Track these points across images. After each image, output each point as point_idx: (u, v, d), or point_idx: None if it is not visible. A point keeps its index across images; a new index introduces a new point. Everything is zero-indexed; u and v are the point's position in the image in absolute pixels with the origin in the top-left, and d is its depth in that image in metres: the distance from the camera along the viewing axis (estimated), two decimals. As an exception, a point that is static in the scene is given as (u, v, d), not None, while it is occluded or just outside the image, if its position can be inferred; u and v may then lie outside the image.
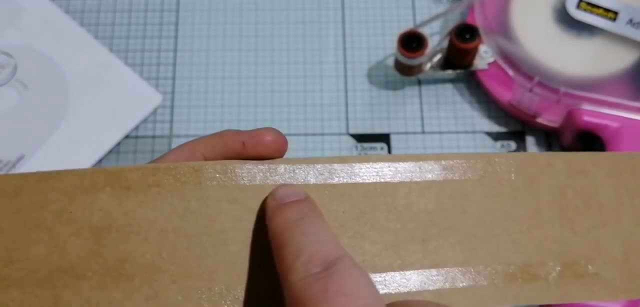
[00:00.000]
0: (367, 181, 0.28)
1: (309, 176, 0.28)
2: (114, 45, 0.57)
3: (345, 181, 0.28)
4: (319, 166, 0.28)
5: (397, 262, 0.27)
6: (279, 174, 0.27)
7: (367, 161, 0.28)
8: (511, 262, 0.27)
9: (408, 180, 0.28)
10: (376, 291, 0.23)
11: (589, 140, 0.50)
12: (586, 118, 0.50)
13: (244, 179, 0.27)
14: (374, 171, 0.28)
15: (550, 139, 0.54)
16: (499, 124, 0.54)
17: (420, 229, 0.27)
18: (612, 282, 0.27)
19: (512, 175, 0.28)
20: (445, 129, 0.54)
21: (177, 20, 0.58)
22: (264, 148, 0.28)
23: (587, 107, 0.50)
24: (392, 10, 0.59)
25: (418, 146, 0.53)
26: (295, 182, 0.28)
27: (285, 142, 0.29)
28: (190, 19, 0.58)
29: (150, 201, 0.26)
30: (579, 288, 0.27)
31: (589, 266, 0.28)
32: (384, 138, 0.54)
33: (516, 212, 0.28)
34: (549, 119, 0.52)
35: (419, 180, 0.28)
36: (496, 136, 0.54)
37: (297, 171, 0.28)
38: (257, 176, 0.27)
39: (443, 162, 0.28)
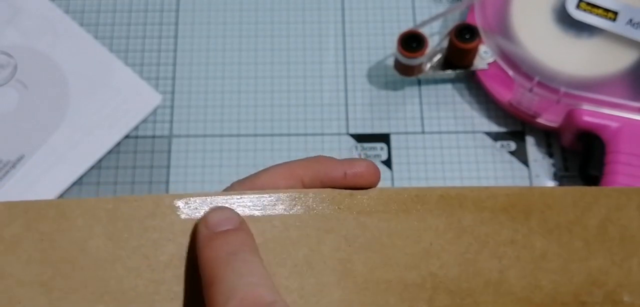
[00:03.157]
0: None
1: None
2: (114, 45, 0.57)
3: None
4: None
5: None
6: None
7: None
8: (567, 291, 0.29)
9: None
10: None
11: (589, 140, 0.50)
12: (586, 118, 0.50)
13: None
14: None
15: (550, 139, 0.54)
16: (499, 124, 0.54)
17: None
18: None
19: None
20: (445, 129, 0.54)
21: (177, 20, 0.58)
22: (363, 180, 0.28)
23: (587, 107, 0.50)
24: (392, 10, 0.59)
25: (418, 146, 0.53)
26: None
27: (379, 173, 0.28)
28: (190, 19, 0.58)
29: (252, 227, 0.26)
30: None
31: (624, 294, 0.29)
32: (384, 138, 0.54)
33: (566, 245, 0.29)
34: (549, 119, 0.52)
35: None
36: (496, 136, 0.54)
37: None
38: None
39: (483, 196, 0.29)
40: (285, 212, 0.27)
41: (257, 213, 0.26)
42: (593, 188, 0.30)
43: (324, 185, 0.28)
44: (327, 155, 0.29)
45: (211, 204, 0.26)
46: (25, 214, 0.25)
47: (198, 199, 0.26)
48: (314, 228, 0.27)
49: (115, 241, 0.25)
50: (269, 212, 0.27)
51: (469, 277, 0.28)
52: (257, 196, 0.27)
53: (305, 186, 0.28)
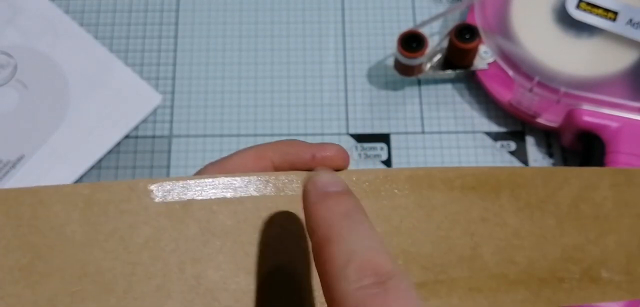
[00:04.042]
0: None
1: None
2: (114, 45, 0.57)
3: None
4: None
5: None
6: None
7: None
8: (542, 267, 0.29)
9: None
10: None
11: (589, 140, 0.50)
12: (586, 118, 0.50)
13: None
14: None
15: (550, 139, 0.54)
16: (499, 124, 0.54)
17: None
18: (619, 285, 0.30)
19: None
20: (445, 129, 0.54)
21: (177, 20, 0.58)
22: (332, 162, 0.28)
23: (587, 107, 0.50)
24: (392, 10, 0.59)
25: (418, 146, 0.53)
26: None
27: (348, 157, 0.29)
28: (190, 19, 0.58)
29: (224, 209, 0.26)
30: (595, 291, 0.29)
31: (602, 270, 0.30)
32: (384, 138, 0.54)
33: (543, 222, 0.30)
34: (549, 119, 0.52)
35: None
36: (496, 136, 0.54)
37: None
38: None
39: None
40: (257, 194, 0.27)
41: (229, 195, 0.27)
42: (563, 168, 0.30)
43: (294, 167, 0.28)
44: (295, 140, 0.29)
45: (183, 187, 0.26)
46: (4, 202, 0.25)
47: (170, 183, 0.26)
48: (285, 209, 0.27)
49: (92, 225, 0.26)
50: (240, 194, 0.27)
51: (442, 253, 0.28)
52: (228, 178, 0.27)
53: (276, 168, 0.29)
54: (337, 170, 0.28)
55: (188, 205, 0.26)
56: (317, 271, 0.23)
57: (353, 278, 0.21)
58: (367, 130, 0.54)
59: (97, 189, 0.26)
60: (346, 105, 0.55)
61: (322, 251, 0.23)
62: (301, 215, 0.27)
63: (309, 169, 0.28)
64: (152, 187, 0.26)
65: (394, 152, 0.53)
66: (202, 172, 0.29)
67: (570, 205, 0.30)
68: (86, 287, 0.25)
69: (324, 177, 0.25)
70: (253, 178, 0.27)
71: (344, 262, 0.22)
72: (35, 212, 0.25)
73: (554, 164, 0.53)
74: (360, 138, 0.54)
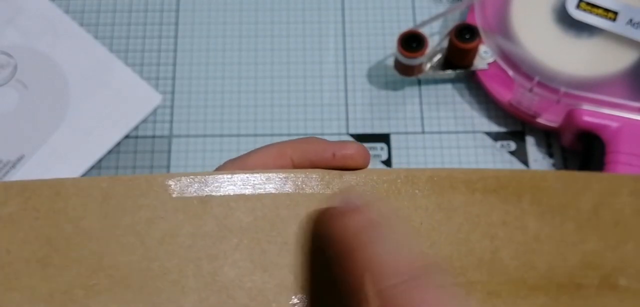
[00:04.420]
0: None
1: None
2: (114, 45, 0.57)
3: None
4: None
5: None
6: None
7: None
8: (561, 273, 0.29)
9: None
10: None
11: (589, 140, 0.50)
12: (586, 118, 0.50)
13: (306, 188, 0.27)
14: None
15: (550, 139, 0.54)
16: (499, 124, 0.54)
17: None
18: (637, 293, 0.30)
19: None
20: (445, 129, 0.54)
21: (177, 20, 0.58)
22: (353, 161, 0.28)
23: (587, 107, 0.50)
24: (392, 10, 0.59)
25: (418, 146, 0.53)
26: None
27: (369, 156, 0.29)
28: (190, 19, 0.58)
29: (242, 206, 0.26)
30: (613, 298, 0.29)
31: (620, 278, 0.29)
32: (384, 138, 0.54)
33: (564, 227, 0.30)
34: (549, 119, 0.52)
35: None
36: (496, 136, 0.54)
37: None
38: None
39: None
40: (275, 191, 0.27)
41: (247, 192, 0.27)
42: (584, 173, 0.30)
43: (314, 165, 0.28)
44: (316, 138, 0.29)
45: (202, 182, 0.26)
46: (22, 193, 0.25)
47: (189, 178, 0.26)
48: (304, 207, 0.27)
49: (109, 219, 0.26)
50: (259, 191, 0.27)
51: (461, 256, 0.28)
52: (247, 175, 0.27)
53: (295, 166, 0.29)
54: (357, 169, 0.28)
55: (206, 201, 0.26)
56: (338, 282, 0.23)
57: (391, 277, 0.21)
58: (367, 130, 0.54)
59: (115, 182, 0.26)
60: (346, 105, 0.55)
61: (350, 259, 0.23)
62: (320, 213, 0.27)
63: (330, 168, 0.28)
64: (170, 182, 0.26)
65: (394, 152, 0.53)
66: (221, 169, 0.29)
67: (590, 211, 0.29)
68: (102, 281, 0.25)
69: (347, 195, 0.25)
70: (272, 175, 0.27)
71: (362, 271, 0.21)
72: (53, 205, 0.25)
73: (554, 164, 0.53)
74: (360, 138, 0.54)
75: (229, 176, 0.27)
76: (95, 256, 0.25)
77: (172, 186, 0.26)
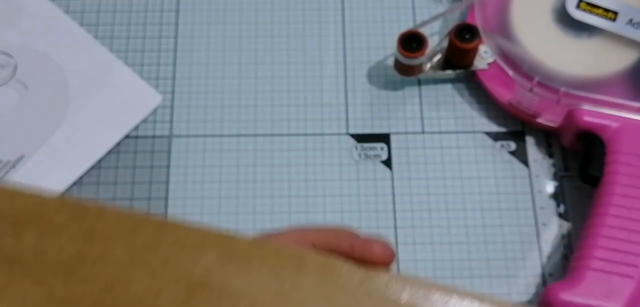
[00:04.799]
0: None
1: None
2: (114, 45, 0.57)
3: None
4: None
5: None
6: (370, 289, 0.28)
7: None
8: None
9: None
10: None
11: (589, 140, 0.50)
12: (586, 118, 0.50)
13: (340, 279, 0.28)
14: None
15: (550, 139, 0.54)
16: (499, 124, 0.54)
17: None
18: None
19: None
20: (445, 129, 0.54)
21: (177, 20, 0.58)
22: (372, 257, 0.29)
23: (587, 107, 0.50)
24: (392, 10, 0.59)
25: (418, 146, 0.53)
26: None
27: (394, 257, 0.29)
28: (190, 19, 0.58)
29: (249, 272, 0.27)
30: None
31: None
32: (384, 138, 0.54)
33: None
34: (549, 119, 0.52)
35: None
36: (496, 136, 0.54)
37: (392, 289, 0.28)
38: (354, 278, 0.28)
39: None
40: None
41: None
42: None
43: (333, 253, 0.29)
44: (346, 229, 0.30)
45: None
46: (73, 208, 0.28)
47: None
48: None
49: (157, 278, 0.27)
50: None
51: None
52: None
53: (315, 248, 0.30)
54: (381, 267, 0.28)
55: None
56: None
57: None
58: (367, 130, 0.54)
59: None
60: (346, 105, 0.55)
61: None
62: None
63: (349, 258, 0.28)
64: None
65: (394, 152, 0.53)
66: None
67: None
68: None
69: None
70: None
71: None
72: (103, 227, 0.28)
73: (554, 164, 0.53)
74: (360, 138, 0.54)
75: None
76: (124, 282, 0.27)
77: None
